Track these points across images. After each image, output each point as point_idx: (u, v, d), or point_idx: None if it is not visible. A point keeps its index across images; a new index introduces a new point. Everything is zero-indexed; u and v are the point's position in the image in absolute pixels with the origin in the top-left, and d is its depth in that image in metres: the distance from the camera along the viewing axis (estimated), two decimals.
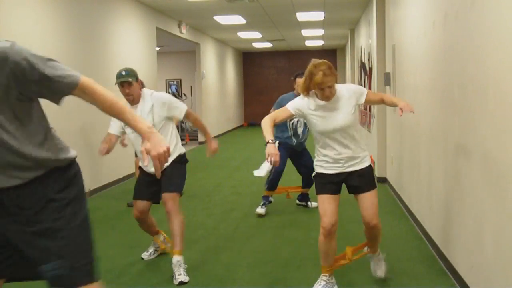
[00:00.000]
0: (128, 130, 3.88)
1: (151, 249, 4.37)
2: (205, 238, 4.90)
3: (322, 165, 3.46)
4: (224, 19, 11.71)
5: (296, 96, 5.87)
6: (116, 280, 3.84)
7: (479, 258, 3.17)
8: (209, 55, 15.04)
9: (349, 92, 3.39)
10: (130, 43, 8.83)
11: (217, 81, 16.24)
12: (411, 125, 5.15)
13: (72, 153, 2.04)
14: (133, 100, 3.93)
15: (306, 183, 6.02)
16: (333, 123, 3.34)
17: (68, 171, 1.99)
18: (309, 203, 6.16)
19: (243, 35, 14.82)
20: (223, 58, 17.18)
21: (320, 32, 14.50)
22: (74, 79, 1.85)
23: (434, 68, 4.35)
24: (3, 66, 1.72)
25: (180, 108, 4.02)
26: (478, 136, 3.15)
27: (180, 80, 18.69)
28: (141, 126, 1.92)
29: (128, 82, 3.86)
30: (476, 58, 3.16)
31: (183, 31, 11.81)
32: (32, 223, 1.89)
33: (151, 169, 3.88)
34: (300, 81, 5.85)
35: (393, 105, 3.56)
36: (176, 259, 3.86)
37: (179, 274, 3.79)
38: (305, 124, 5.87)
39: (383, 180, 7.50)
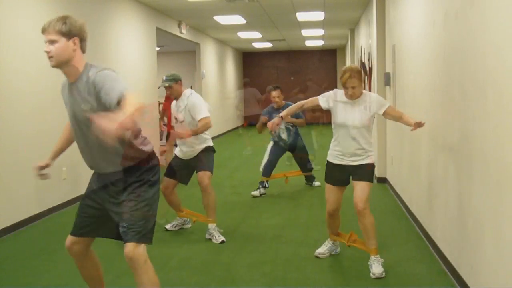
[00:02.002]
0: (180, 116, 4.85)
1: (174, 222, 5.16)
2: (205, 238, 4.90)
3: (332, 154, 4.02)
4: (224, 19, 11.70)
5: (275, 108, 6.77)
6: (116, 281, 3.84)
7: (479, 258, 3.17)
8: (209, 55, 15.03)
9: (372, 100, 3.92)
10: (130, 43, 8.83)
11: (217, 81, 16.23)
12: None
13: (149, 147, 2.88)
14: (176, 97, 4.92)
15: (301, 169, 7.20)
16: (349, 119, 3.87)
17: (146, 163, 2.85)
18: (314, 182, 7.25)
19: (243, 35, 14.82)
20: (223, 58, 17.17)
21: (320, 32, 14.49)
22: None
23: (434, 68, 4.35)
24: None
25: (202, 114, 4.72)
26: (478, 136, 3.15)
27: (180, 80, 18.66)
28: None
29: (165, 86, 4.87)
30: (476, 58, 3.16)
31: (183, 31, 11.81)
32: (119, 196, 2.79)
33: (185, 155, 4.90)
34: (274, 93, 6.75)
35: (408, 124, 3.93)
36: (212, 226, 4.84)
37: (219, 236, 4.78)
38: (287, 129, 6.86)
39: (383, 180, 7.50)
